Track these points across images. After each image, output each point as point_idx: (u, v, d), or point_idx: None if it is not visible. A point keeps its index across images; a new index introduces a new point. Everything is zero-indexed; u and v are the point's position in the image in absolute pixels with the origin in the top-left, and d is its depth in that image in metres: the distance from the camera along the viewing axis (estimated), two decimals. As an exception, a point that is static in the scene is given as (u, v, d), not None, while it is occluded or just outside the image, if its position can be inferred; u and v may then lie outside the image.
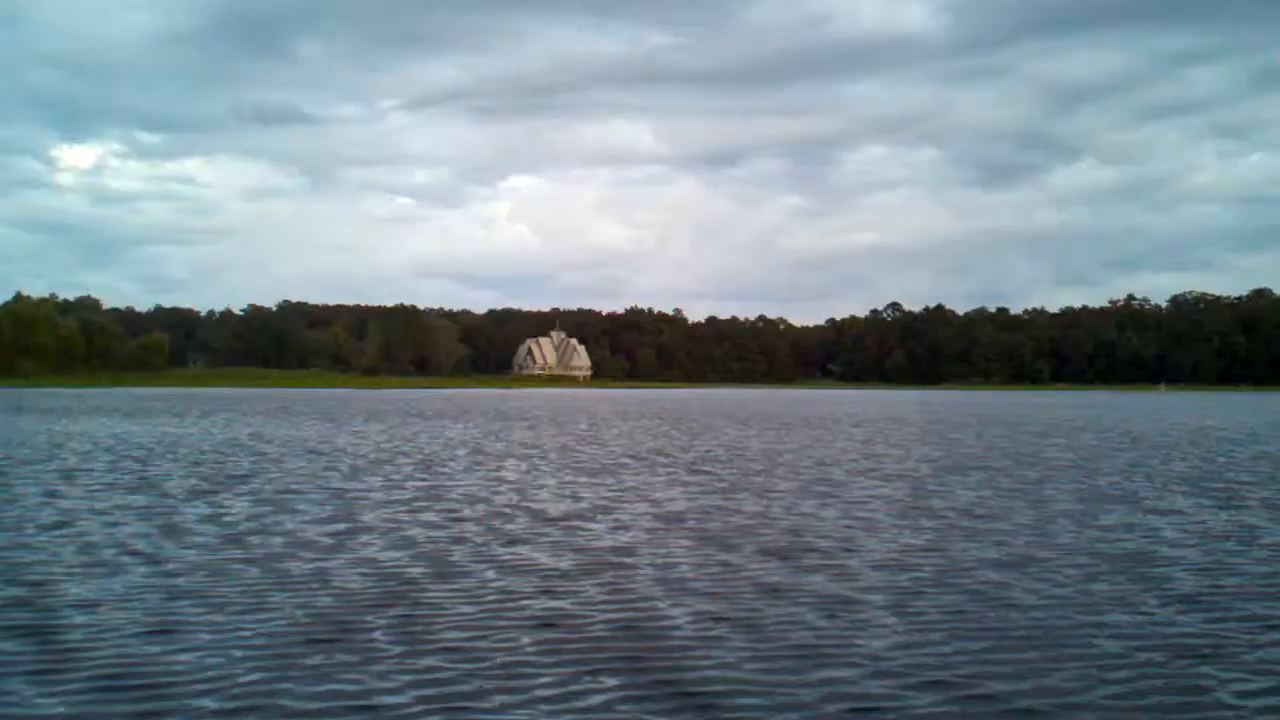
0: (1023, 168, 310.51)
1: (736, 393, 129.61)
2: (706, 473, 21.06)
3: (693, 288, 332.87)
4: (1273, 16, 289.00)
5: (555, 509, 15.17)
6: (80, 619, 8.34)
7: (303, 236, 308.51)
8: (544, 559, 11.10)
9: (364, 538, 12.42)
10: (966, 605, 9.05)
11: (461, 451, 26.67)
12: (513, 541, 12.24)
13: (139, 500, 15.81)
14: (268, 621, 8.30)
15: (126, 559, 10.90)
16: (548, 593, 9.44)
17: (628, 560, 11.03)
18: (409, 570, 10.43)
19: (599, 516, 14.41)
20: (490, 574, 10.27)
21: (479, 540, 12.29)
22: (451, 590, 9.51)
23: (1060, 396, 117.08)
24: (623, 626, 8.26)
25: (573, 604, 9.00)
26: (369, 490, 17.44)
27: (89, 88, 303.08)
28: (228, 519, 13.93)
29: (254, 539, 12.27)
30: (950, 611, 8.82)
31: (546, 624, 8.30)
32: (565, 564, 10.84)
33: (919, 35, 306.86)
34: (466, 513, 14.73)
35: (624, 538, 12.54)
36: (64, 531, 12.73)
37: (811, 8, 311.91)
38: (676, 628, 8.23)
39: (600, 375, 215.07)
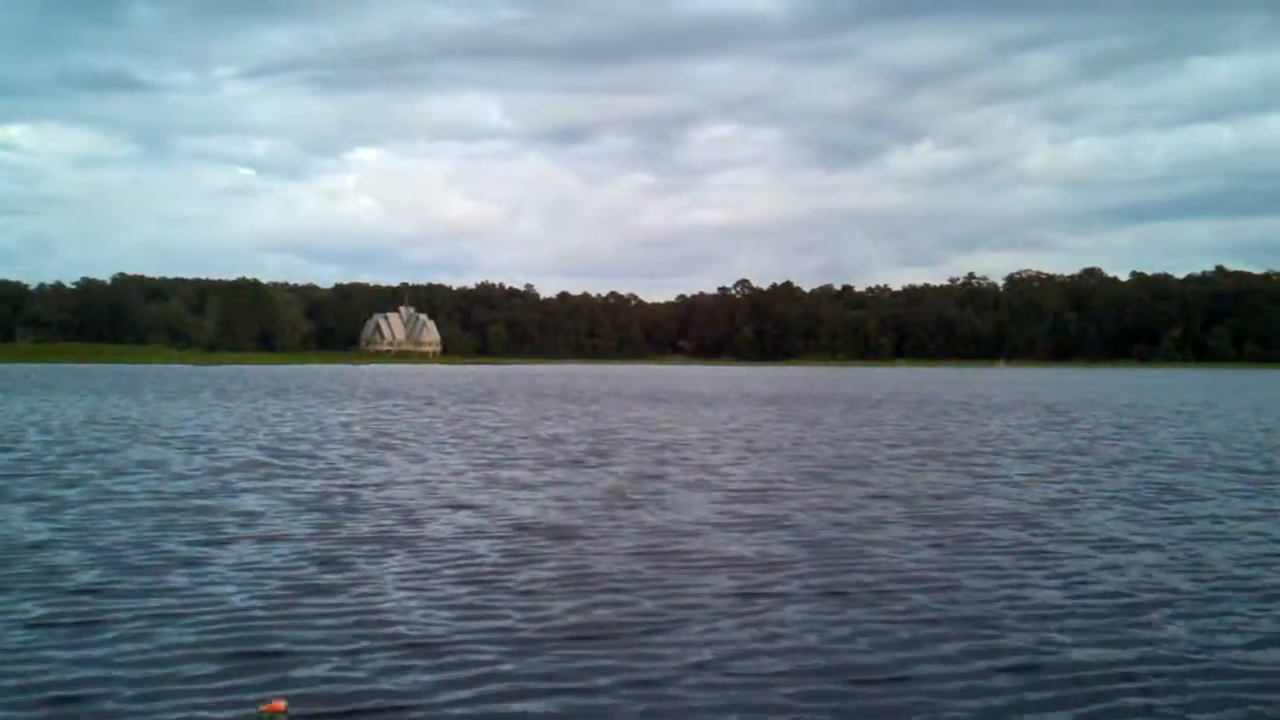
0: (865, 149, 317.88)
1: (600, 369, 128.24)
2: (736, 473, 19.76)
3: (544, 264, 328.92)
4: (1102, 5, 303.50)
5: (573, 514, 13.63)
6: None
7: (138, 207, 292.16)
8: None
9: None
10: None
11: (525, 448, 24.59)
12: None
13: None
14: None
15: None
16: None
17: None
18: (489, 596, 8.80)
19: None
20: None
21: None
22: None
23: (920, 374, 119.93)
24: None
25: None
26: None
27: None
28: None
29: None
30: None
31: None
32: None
33: (764, 15, 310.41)
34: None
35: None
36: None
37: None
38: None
39: (450, 351, 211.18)
